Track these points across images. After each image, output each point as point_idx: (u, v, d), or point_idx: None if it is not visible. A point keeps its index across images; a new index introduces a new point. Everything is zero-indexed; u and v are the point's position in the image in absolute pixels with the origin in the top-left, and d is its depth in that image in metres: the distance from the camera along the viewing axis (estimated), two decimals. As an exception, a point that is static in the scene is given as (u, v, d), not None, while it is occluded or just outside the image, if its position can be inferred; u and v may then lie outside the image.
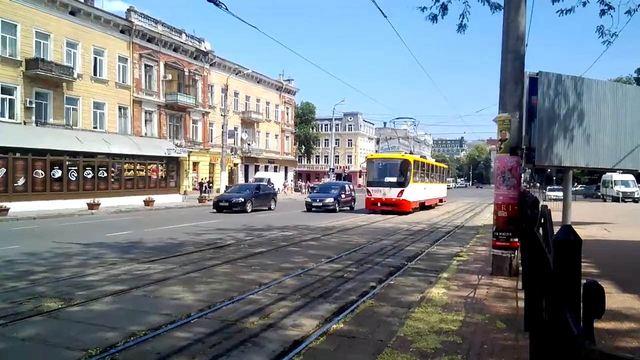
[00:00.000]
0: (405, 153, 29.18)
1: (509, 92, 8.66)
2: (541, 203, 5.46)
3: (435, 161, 40.16)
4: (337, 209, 26.47)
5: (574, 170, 22.77)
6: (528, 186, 55.72)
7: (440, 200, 35.03)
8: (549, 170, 44.98)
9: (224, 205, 25.01)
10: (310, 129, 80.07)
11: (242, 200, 25.15)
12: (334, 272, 9.14)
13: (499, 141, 8.58)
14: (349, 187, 30.43)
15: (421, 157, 34.66)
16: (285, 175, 61.03)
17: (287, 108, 62.72)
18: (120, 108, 34.60)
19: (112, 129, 33.23)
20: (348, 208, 28.24)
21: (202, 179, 42.29)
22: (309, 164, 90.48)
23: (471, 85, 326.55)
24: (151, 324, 5.72)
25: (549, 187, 45.73)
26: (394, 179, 25.41)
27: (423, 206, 28.52)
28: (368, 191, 26.16)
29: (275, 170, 57.84)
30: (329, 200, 26.60)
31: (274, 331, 5.57)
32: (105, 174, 29.01)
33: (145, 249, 12.09)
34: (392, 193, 25.02)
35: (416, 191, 26.48)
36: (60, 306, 6.50)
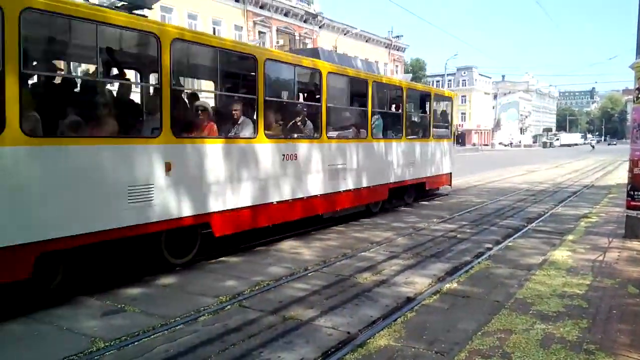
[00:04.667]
0: None
1: (652, 33, 7.58)
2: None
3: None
4: None
5: None
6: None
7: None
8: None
9: None
10: (421, 87, 77.54)
11: None
12: (446, 232, 9.00)
13: (636, 90, 7.66)
14: None
15: None
16: (396, 135, 60.28)
17: (397, 66, 61.21)
18: (236, 75, 36.39)
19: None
20: None
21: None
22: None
23: (602, 30, 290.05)
24: (273, 276, 6.17)
25: None
26: None
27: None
28: None
29: (385, 131, 57.30)
30: None
31: (387, 287, 5.70)
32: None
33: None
34: None
35: None
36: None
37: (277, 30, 40.22)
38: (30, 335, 4.35)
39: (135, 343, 4.14)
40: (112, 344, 4.12)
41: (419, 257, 7.11)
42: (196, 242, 6.82)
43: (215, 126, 6.93)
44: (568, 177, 22.07)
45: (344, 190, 9.61)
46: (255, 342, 4.15)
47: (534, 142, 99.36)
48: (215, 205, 6.73)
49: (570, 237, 8.16)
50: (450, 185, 15.03)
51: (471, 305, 4.99)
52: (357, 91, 10.32)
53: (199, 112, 6.89)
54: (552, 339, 4.05)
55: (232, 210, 7.02)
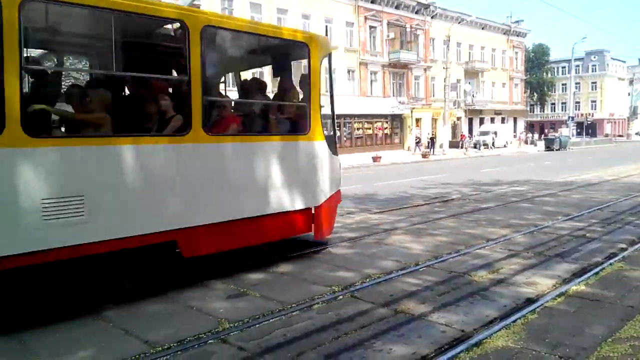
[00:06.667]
0: None
1: None
2: None
3: None
4: None
5: None
6: None
7: None
8: None
9: None
10: (544, 74, 72.11)
11: None
12: (573, 231, 8.32)
13: None
14: None
15: None
16: (515, 126, 56.68)
17: (516, 53, 57.50)
18: (348, 71, 36.79)
19: (341, 91, 35.74)
20: None
21: (432, 135, 40.93)
22: (543, 113, 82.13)
23: None
24: (383, 269, 6.20)
25: None
26: None
27: None
28: None
29: (502, 122, 54.23)
30: None
31: (505, 287, 5.44)
32: (338, 133, 31.78)
33: (377, 200, 12.93)
34: None
35: None
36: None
37: (388, 23, 39.87)
38: (164, 313, 4.86)
39: (257, 326, 4.44)
40: (236, 325, 4.46)
41: (542, 257, 6.67)
42: None
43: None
44: None
45: None
46: (367, 333, 4.22)
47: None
48: None
49: None
50: (320, 234, 6.94)
51: (601, 310, 4.60)
52: None
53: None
54: (701, 353, 3.59)
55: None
